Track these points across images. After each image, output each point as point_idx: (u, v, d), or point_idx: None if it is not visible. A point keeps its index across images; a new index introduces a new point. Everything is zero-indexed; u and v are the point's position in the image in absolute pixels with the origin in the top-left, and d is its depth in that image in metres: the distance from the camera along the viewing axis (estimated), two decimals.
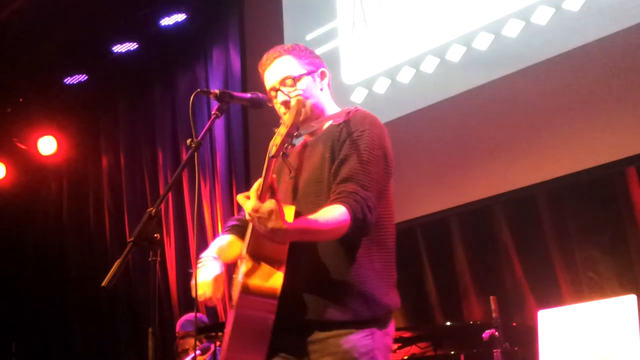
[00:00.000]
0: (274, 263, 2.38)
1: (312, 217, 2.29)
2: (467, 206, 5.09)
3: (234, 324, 2.41)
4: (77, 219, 8.25)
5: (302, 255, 2.40)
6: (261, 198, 2.18)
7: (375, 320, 2.45)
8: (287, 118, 2.19)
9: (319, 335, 2.42)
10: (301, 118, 2.39)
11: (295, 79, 2.61)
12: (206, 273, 2.53)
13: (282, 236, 2.22)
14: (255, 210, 2.17)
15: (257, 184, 2.19)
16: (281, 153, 2.17)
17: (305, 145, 2.68)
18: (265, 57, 2.69)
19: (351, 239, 2.42)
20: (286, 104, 2.58)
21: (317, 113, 2.64)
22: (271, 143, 2.18)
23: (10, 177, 8.38)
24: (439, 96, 5.20)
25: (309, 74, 2.64)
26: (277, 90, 2.62)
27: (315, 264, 2.43)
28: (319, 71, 2.68)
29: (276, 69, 2.64)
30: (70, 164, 8.31)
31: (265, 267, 2.37)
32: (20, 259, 8.47)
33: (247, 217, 2.22)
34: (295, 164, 2.63)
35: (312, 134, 2.68)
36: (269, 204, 2.16)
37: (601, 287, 4.44)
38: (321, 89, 2.67)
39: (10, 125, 8.09)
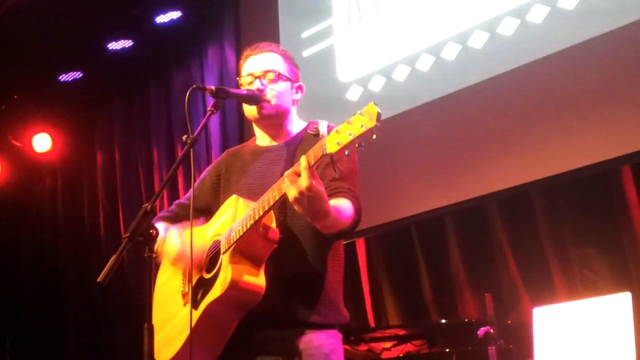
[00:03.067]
0: (255, 261, 2.42)
1: (335, 204, 2.35)
2: (462, 204, 5.10)
3: (201, 319, 2.43)
4: (71, 215, 8.23)
5: (279, 256, 2.45)
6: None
7: (338, 325, 2.58)
8: (363, 120, 2.06)
9: (288, 332, 2.48)
10: (267, 113, 2.64)
11: (278, 77, 2.69)
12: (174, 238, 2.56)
13: (323, 218, 2.27)
14: (310, 189, 2.16)
15: (305, 161, 2.16)
16: (341, 154, 2.12)
17: (269, 150, 2.72)
18: (256, 45, 2.78)
19: (326, 246, 2.54)
20: (260, 91, 2.64)
21: (281, 118, 2.72)
22: (330, 139, 2.11)
23: (5, 174, 8.36)
24: (434, 94, 5.20)
25: (289, 80, 2.73)
26: (255, 77, 2.69)
27: (292, 267, 2.50)
28: (298, 84, 2.78)
29: (264, 59, 2.73)
30: (65, 161, 8.29)
31: (248, 264, 2.41)
32: (15, 256, 8.45)
33: (292, 194, 2.18)
34: (261, 167, 2.67)
35: (274, 138, 2.74)
36: (320, 185, 2.19)
37: (595, 285, 4.45)
38: (293, 101, 2.76)
39: (5, 122, 8.06)
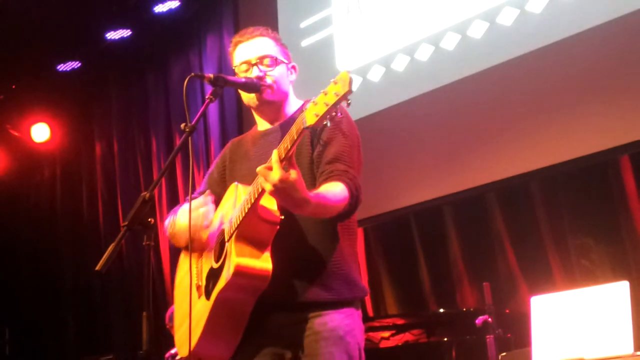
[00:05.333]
0: (260, 245, 2.40)
1: (322, 191, 2.33)
2: (460, 194, 5.10)
3: (213, 309, 2.42)
4: (70, 205, 8.24)
5: (285, 238, 2.43)
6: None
7: (353, 301, 2.54)
8: (337, 88, 2.06)
9: (302, 315, 2.46)
10: (268, 98, 2.60)
11: (275, 62, 2.66)
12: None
13: (303, 207, 2.25)
14: (282, 181, 2.17)
15: (275, 155, 2.18)
16: (319, 125, 2.11)
17: (266, 134, 2.70)
18: (244, 31, 2.74)
19: (332, 223, 2.49)
20: (260, 79, 2.62)
21: (280, 102, 2.69)
22: (308, 112, 2.11)
23: (3, 164, 8.36)
24: (433, 84, 5.20)
25: (284, 62, 2.71)
26: (252, 65, 2.66)
27: (298, 246, 2.48)
28: (291, 65, 2.75)
29: (257, 46, 2.69)
30: (64, 150, 8.29)
31: (252, 249, 2.39)
32: (13, 246, 8.45)
33: (268, 188, 2.19)
34: (259, 150, 2.66)
35: (272, 122, 2.72)
36: (294, 174, 2.18)
37: (594, 274, 4.47)
38: (290, 82, 2.73)
39: (3, 112, 8.07)
